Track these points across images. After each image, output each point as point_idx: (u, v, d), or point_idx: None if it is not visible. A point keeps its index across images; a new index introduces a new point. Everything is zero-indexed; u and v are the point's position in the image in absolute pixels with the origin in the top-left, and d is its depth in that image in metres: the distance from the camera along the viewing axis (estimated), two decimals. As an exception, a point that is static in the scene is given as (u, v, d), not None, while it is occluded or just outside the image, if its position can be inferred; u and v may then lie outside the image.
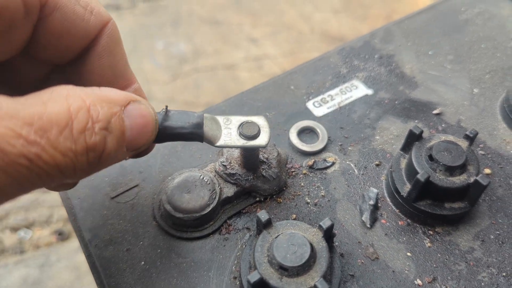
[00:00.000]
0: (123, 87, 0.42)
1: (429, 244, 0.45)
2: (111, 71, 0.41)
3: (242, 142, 0.41)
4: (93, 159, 0.32)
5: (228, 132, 0.42)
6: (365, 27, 1.89)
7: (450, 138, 0.46)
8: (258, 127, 0.42)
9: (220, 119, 0.42)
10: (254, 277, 0.36)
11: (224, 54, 1.76)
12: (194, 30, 1.87)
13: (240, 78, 1.68)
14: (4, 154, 0.27)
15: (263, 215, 0.40)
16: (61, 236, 1.33)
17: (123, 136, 0.34)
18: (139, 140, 0.36)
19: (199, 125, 0.40)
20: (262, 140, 0.42)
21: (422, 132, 0.46)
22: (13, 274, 1.26)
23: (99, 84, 0.39)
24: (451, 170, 0.43)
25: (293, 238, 0.38)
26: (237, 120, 0.42)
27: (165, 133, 0.40)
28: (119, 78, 0.41)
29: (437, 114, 0.55)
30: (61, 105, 0.30)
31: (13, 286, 1.24)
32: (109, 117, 0.32)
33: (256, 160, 0.46)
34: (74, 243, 1.33)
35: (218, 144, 0.41)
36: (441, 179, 0.43)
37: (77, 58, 0.41)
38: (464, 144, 0.45)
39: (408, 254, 0.44)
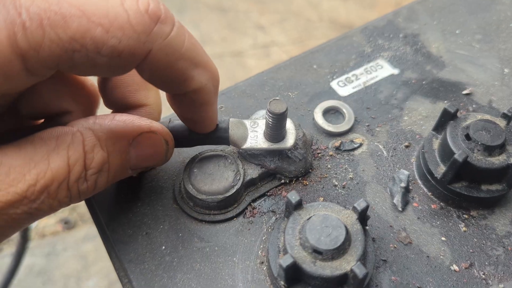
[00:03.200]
0: (179, 92, 0.36)
1: (464, 228, 0.43)
2: (162, 86, 0.36)
3: (267, 144, 0.42)
4: (85, 196, 0.36)
5: (255, 135, 0.43)
6: (373, 15, 1.85)
7: (487, 116, 0.44)
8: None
9: (247, 122, 0.43)
10: (286, 261, 0.34)
11: (231, 42, 1.73)
12: (200, 17, 1.83)
13: (248, 65, 1.65)
14: (8, 216, 0.31)
15: (293, 196, 0.37)
16: (67, 225, 1.31)
17: (123, 166, 0.37)
18: (146, 165, 0.39)
19: (225, 130, 0.42)
20: (287, 142, 0.42)
21: (457, 110, 0.43)
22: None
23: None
24: (490, 150, 0.41)
25: (326, 220, 0.36)
26: (263, 123, 0.43)
27: (192, 138, 0.42)
28: (171, 90, 0.36)
29: (467, 95, 0.53)
30: (62, 157, 0.33)
31: (19, 275, 1.23)
32: (104, 160, 0.35)
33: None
34: (80, 232, 1.31)
35: (244, 147, 0.42)
36: (479, 159, 0.41)
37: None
38: (502, 123, 0.43)
39: (443, 238, 0.42)
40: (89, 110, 0.45)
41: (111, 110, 0.46)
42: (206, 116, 0.39)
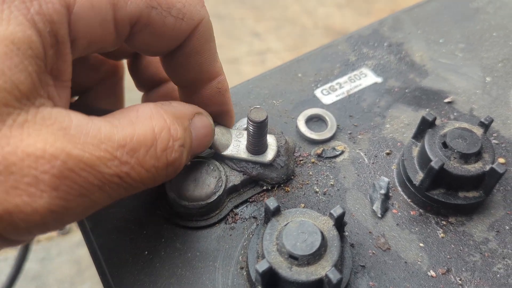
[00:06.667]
0: (206, 80, 0.41)
1: (442, 235, 0.43)
2: (197, 68, 0.40)
3: (247, 155, 0.44)
4: (171, 172, 0.36)
5: (237, 144, 0.44)
6: (369, 22, 1.87)
7: (464, 125, 0.44)
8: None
9: (234, 132, 0.45)
10: (262, 266, 0.35)
11: (227, 49, 1.74)
12: (196, 24, 1.85)
13: (243, 72, 1.66)
14: (102, 174, 0.30)
15: (271, 202, 0.38)
16: (62, 230, 1.32)
17: (191, 147, 0.38)
18: (201, 148, 0.41)
19: None
20: (266, 156, 0.44)
21: (435, 118, 0.44)
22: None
23: (182, 79, 0.42)
24: (466, 158, 0.42)
25: (303, 226, 0.37)
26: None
27: None
28: (204, 74, 0.41)
29: (449, 103, 0.54)
30: (147, 126, 0.34)
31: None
32: (184, 134, 0.36)
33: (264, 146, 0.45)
34: (75, 237, 1.31)
35: (224, 153, 0.44)
36: (456, 167, 0.42)
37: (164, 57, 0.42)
38: (479, 131, 0.44)
39: (421, 244, 0.43)
40: (113, 82, 0.50)
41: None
42: (229, 105, 0.44)
